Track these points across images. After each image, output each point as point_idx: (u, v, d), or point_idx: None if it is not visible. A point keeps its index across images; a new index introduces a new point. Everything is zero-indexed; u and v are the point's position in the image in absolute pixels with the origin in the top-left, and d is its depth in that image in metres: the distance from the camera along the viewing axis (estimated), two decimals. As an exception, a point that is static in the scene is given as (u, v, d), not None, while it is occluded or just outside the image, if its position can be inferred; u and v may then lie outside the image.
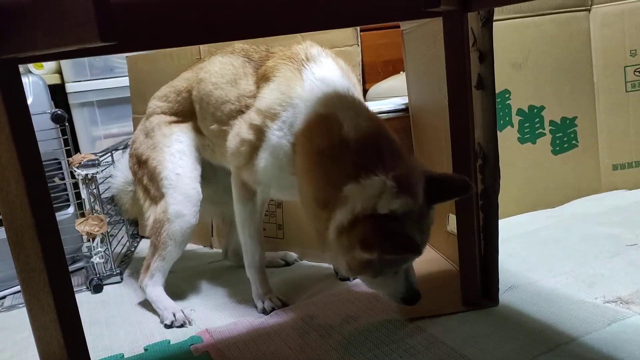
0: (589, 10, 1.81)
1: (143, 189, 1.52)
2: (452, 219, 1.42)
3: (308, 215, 1.18)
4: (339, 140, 1.10)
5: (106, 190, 1.84)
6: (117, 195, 1.76)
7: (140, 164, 1.52)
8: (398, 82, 2.10)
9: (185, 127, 1.49)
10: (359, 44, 1.52)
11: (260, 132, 1.24)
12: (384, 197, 1.00)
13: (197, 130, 1.49)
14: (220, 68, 1.39)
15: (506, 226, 1.66)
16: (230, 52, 1.42)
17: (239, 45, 1.43)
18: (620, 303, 1.15)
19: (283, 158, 1.23)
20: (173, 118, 1.50)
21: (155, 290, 1.45)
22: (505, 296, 1.24)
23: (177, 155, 1.46)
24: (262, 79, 1.28)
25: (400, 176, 1.02)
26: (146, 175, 1.49)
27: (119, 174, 1.74)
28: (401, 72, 2.11)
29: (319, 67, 1.22)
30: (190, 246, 1.98)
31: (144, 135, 1.53)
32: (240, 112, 1.31)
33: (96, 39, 0.65)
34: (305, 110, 1.18)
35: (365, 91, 2.54)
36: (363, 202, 1.00)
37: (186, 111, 1.49)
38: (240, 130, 1.28)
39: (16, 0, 0.73)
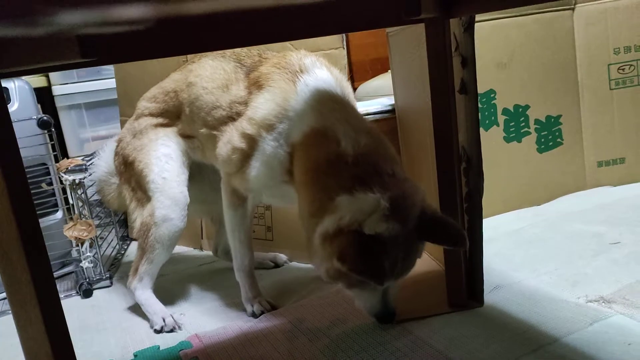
0: (572, 9, 1.82)
1: (129, 190, 1.51)
2: (439, 219, 1.44)
3: (302, 223, 1.19)
4: (336, 155, 1.10)
5: (95, 194, 1.83)
6: (99, 186, 1.74)
7: (126, 164, 1.52)
8: (386, 80, 2.11)
9: (171, 132, 1.49)
10: (345, 47, 1.53)
11: (253, 142, 1.24)
12: (373, 216, 1.00)
13: (184, 134, 1.48)
14: (211, 73, 1.38)
15: (492, 225, 1.68)
16: (221, 56, 1.41)
17: None
18: (603, 302, 1.17)
19: (277, 167, 1.23)
20: (160, 120, 1.50)
21: (145, 294, 1.46)
22: (490, 296, 1.26)
23: (163, 159, 1.45)
24: (255, 85, 1.28)
25: (396, 199, 1.01)
26: (132, 177, 1.49)
27: (102, 163, 1.72)
28: (389, 71, 2.12)
29: (313, 78, 1.22)
30: (181, 249, 1.99)
31: (131, 135, 1.52)
32: (231, 118, 1.30)
33: (77, 57, 0.66)
34: (299, 123, 1.18)
35: (353, 90, 2.55)
36: (352, 216, 1.01)
37: (173, 112, 1.48)
38: (231, 138, 1.28)
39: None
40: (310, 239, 1.12)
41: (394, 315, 1.15)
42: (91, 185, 1.80)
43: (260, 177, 1.25)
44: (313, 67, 1.24)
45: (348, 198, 1.03)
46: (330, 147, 1.12)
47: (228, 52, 1.41)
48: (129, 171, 1.50)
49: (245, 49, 1.40)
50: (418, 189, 1.08)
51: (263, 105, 1.23)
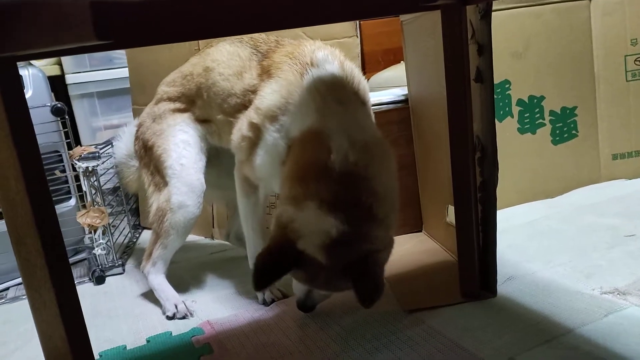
0: (589, 0, 1.80)
1: (148, 174, 1.51)
2: (452, 210, 1.43)
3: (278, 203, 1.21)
4: (325, 165, 1.06)
5: (108, 181, 1.84)
6: (119, 168, 1.74)
7: (145, 149, 1.52)
8: (398, 71, 2.09)
9: (189, 117, 1.48)
10: (358, 35, 1.51)
11: (258, 131, 1.24)
12: (316, 240, 1.00)
13: (202, 119, 1.48)
14: (228, 59, 1.37)
15: (506, 216, 1.67)
16: (239, 41, 1.40)
17: None
18: (617, 294, 1.16)
19: (276, 157, 1.22)
20: (179, 105, 1.49)
21: (158, 279, 1.46)
22: (503, 287, 1.25)
23: (181, 146, 1.45)
24: (266, 73, 1.27)
25: (346, 238, 1.00)
26: (151, 162, 1.49)
27: (121, 146, 1.71)
28: (402, 62, 2.10)
29: (321, 73, 1.18)
30: (192, 237, 1.99)
31: (151, 119, 1.52)
32: (244, 106, 1.30)
33: (92, 38, 0.66)
34: (300, 119, 1.16)
35: (365, 81, 2.53)
36: (301, 225, 1.02)
37: (189, 96, 1.47)
38: (241, 127, 1.29)
39: (15, 0, 0.73)
40: None
41: (309, 309, 1.21)
42: (104, 173, 1.81)
43: (264, 165, 1.25)
44: (324, 62, 1.20)
45: (315, 209, 1.02)
46: (321, 154, 1.08)
47: (246, 37, 1.39)
48: (148, 155, 1.50)
49: (263, 35, 1.39)
50: (379, 235, 1.03)
51: (269, 96, 1.22)
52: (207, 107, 1.43)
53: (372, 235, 1.03)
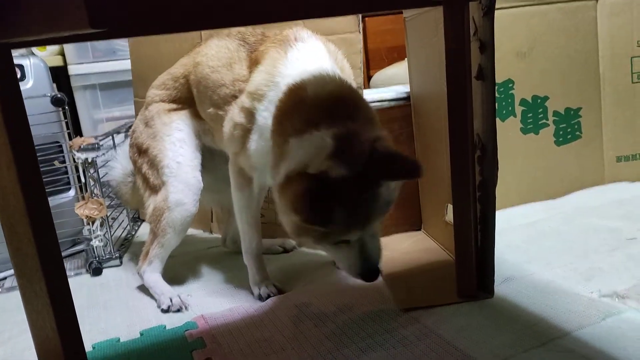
0: (596, 0, 1.78)
1: (143, 178, 1.52)
2: (451, 208, 1.41)
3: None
4: (300, 99, 1.09)
5: (106, 174, 1.84)
6: (117, 187, 1.76)
7: (140, 153, 1.52)
8: (402, 69, 2.08)
9: (184, 115, 1.48)
10: (360, 30, 1.50)
11: (250, 115, 1.25)
12: (318, 156, 0.96)
13: (196, 116, 1.48)
14: (216, 52, 1.39)
15: (506, 217, 1.65)
16: (227, 35, 1.42)
17: (235, 27, 1.42)
18: (617, 297, 1.14)
19: (270, 140, 1.22)
20: (172, 105, 1.50)
21: (153, 277, 1.46)
22: (501, 288, 1.24)
23: (177, 144, 1.45)
24: (254, 63, 1.29)
25: (342, 136, 0.97)
26: (146, 164, 1.49)
27: (117, 165, 1.74)
28: (405, 59, 2.09)
29: (305, 45, 1.23)
30: (190, 231, 1.97)
31: (143, 124, 1.53)
32: (235, 96, 1.31)
33: (86, 26, 0.65)
34: (284, 83, 1.18)
35: (369, 78, 2.52)
36: (299, 159, 0.98)
37: (184, 97, 1.49)
38: (233, 115, 1.29)
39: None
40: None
41: (377, 271, 1.05)
42: (103, 165, 1.80)
43: (259, 150, 1.24)
44: (309, 38, 1.25)
45: (297, 140, 1.01)
46: (297, 94, 1.11)
47: (234, 31, 1.41)
48: (143, 159, 1.50)
49: (250, 28, 1.40)
50: (372, 128, 1.03)
51: (256, 77, 1.24)
52: (199, 102, 1.43)
53: (358, 129, 1.01)
